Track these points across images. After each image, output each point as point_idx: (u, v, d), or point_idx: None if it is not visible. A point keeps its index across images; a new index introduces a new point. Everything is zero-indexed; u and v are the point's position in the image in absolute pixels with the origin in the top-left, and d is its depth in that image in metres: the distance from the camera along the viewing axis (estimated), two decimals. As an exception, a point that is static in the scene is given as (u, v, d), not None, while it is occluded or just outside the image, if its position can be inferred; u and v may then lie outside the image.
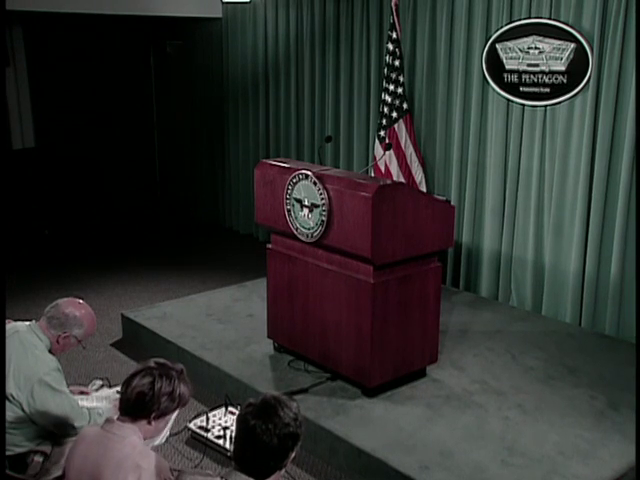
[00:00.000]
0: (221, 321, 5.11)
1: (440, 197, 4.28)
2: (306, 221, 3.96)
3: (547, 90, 5.07)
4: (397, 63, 5.65)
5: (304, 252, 4.12)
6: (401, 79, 5.68)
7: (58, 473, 2.91)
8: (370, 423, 3.73)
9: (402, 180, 5.61)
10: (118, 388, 2.74)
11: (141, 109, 9.17)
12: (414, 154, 5.74)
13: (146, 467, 2.28)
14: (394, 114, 5.69)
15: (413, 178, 5.74)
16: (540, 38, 5.03)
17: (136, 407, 2.36)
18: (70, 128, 8.50)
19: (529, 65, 5.13)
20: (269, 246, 4.40)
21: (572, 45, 4.88)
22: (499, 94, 5.36)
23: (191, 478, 2.26)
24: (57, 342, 3.08)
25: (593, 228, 4.94)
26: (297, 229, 4.04)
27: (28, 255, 7.07)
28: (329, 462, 3.68)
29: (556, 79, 5.00)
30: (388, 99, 5.70)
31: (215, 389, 4.37)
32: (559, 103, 5.04)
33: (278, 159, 4.58)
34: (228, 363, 4.41)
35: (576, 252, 5.04)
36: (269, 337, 4.55)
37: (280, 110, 7.38)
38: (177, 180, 9.06)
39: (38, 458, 3.03)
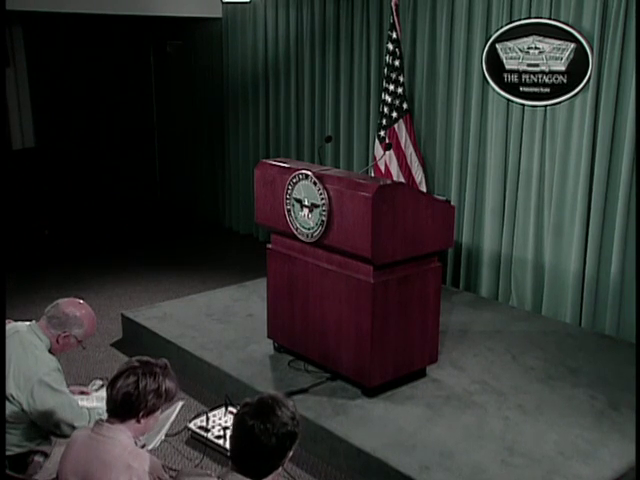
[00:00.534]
0: (221, 321, 5.11)
1: (440, 197, 4.28)
2: (306, 221, 3.96)
3: (547, 90, 5.07)
4: (397, 63, 5.65)
5: (304, 252, 4.12)
6: (401, 79, 5.68)
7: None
8: (370, 423, 3.73)
9: (402, 180, 5.61)
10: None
11: (141, 109, 9.17)
12: (414, 154, 5.74)
13: (137, 467, 2.28)
14: (394, 114, 5.69)
15: (413, 178, 5.74)
16: (540, 38, 5.03)
17: (123, 408, 2.36)
18: (70, 128, 8.50)
19: (529, 65, 5.13)
20: (269, 246, 4.40)
21: (572, 45, 4.88)
22: (499, 94, 5.36)
23: (189, 479, 2.26)
24: (57, 342, 3.07)
25: (593, 228, 4.94)
26: (297, 229, 4.04)
27: (28, 255, 7.06)
28: (329, 462, 3.68)
29: (556, 79, 5.00)
30: (388, 99, 5.70)
31: (215, 389, 4.37)
32: (559, 103, 5.04)
33: (278, 159, 4.59)
34: (228, 363, 4.41)
35: (576, 252, 5.04)
36: (269, 337, 4.55)
37: (280, 110, 7.38)
38: (177, 180, 9.06)
39: (38, 458, 3.03)
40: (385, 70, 5.73)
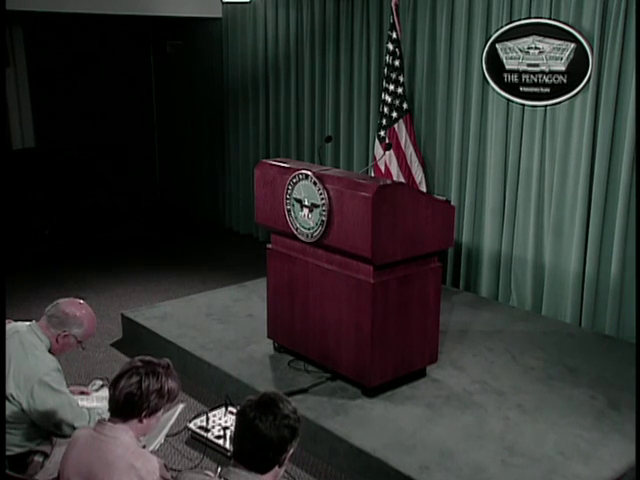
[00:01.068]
0: (221, 321, 5.11)
1: (440, 197, 4.29)
2: (306, 221, 3.96)
3: (547, 90, 5.07)
4: (397, 63, 5.65)
5: (304, 252, 4.12)
6: (401, 79, 5.68)
7: (58, 473, 2.91)
8: (370, 423, 3.73)
9: (402, 180, 5.61)
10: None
11: (141, 109, 9.17)
12: (414, 154, 5.73)
13: (140, 467, 2.28)
14: (394, 114, 5.69)
15: (413, 178, 5.74)
16: (540, 38, 5.03)
17: (126, 408, 2.36)
18: (70, 128, 8.50)
19: (529, 65, 5.13)
20: (269, 246, 4.40)
21: (572, 45, 4.88)
22: (499, 94, 5.36)
23: (189, 478, 2.26)
24: (56, 341, 3.07)
25: (593, 228, 4.94)
26: (297, 229, 4.04)
27: (28, 255, 7.06)
28: (329, 462, 3.69)
29: (556, 79, 5.00)
30: (388, 99, 5.70)
31: (215, 389, 4.37)
32: (559, 103, 5.04)
33: (278, 159, 4.58)
34: (228, 363, 4.41)
35: (576, 252, 5.04)
36: (269, 337, 4.55)
37: (280, 110, 7.38)
38: (177, 180, 9.06)
39: (38, 458, 3.03)
40: (385, 70, 5.73)
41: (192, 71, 8.47)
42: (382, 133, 5.74)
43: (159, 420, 2.49)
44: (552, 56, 4.99)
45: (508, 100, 5.33)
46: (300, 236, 4.04)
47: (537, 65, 5.08)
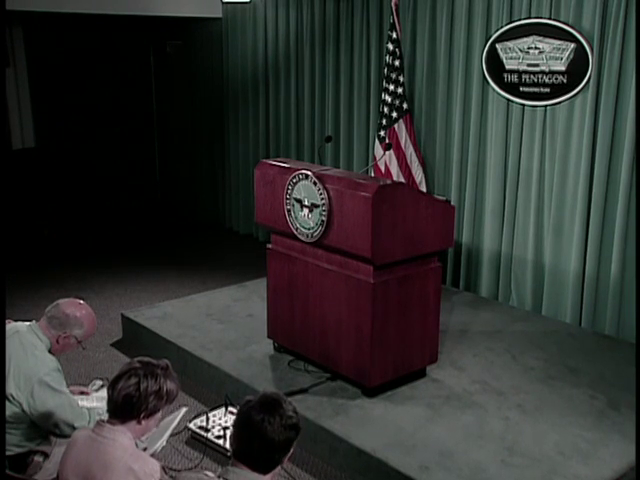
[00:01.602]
0: (221, 321, 5.11)
1: (440, 197, 4.28)
2: (306, 221, 3.96)
3: (547, 90, 5.07)
4: (397, 63, 5.65)
5: (304, 252, 4.12)
6: (401, 79, 5.68)
7: (58, 473, 2.91)
8: (370, 423, 3.73)
9: (402, 180, 5.61)
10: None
11: (141, 109, 9.17)
12: (414, 154, 5.73)
13: (138, 469, 2.27)
14: (394, 114, 5.69)
15: (413, 178, 5.74)
16: (540, 38, 5.03)
17: (124, 409, 2.36)
18: (70, 128, 8.49)
19: (529, 65, 5.13)
20: (269, 246, 4.40)
21: (572, 45, 4.88)
22: (499, 94, 5.36)
23: (188, 478, 2.26)
24: (57, 342, 3.07)
25: (593, 228, 4.94)
26: (297, 229, 4.04)
27: (28, 255, 7.07)
28: (329, 462, 3.68)
29: (556, 79, 5.00)
30: (388, 99, 5.70)
31: (215, 389, 4.37)
32: (559, 103, 5.04)
33: (278, 159, 4.58)
34: (228, 363, 4.41)
35: (576, 252, 5.04)
36: (269, 337, 4.55)
37: (280, 110, 7.38)
38: (177, 180, 9.06)
39: (38, 458, 3.03)
40: (385, 70, 5.73)
41: (192, 71, 8.47)
42: (382, 133, 5.74)
43: (158, 422, 2.48)
44: (552, 56, 4.99)
45: (508, 100, 5.33)
46: (300, 236, 4.04)
47: (537, 65, 5.09)
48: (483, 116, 5.56)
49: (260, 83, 7.52)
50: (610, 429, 3.70)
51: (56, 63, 8.28)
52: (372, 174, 5.65)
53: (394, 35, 5.61)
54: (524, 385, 4.18)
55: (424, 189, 5.75)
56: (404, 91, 5.72)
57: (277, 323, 4.42)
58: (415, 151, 5.74)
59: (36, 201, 7.82)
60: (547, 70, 5.04)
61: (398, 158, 5.69)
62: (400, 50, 5.64)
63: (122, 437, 2.34)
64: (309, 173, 3.89)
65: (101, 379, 3.97)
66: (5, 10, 4.74)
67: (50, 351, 3.06)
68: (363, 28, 6.33)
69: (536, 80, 5.11)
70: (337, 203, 3.77)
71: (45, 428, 2.98)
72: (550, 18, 4.98)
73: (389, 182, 3.88)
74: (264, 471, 2.11)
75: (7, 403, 2.86)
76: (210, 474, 2.26)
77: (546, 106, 5.13)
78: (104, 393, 3.50)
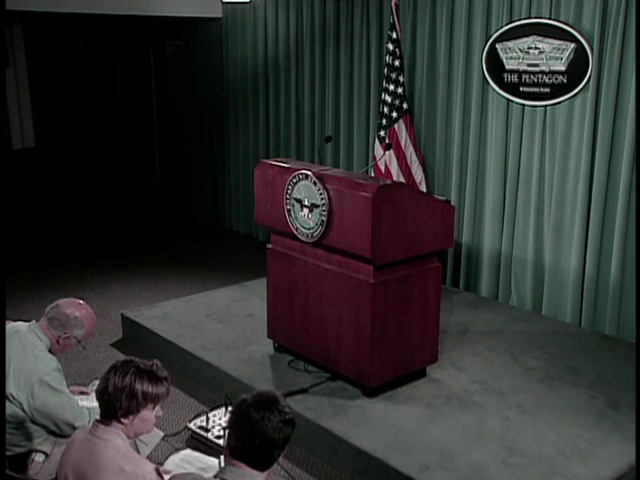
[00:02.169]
0: (221, 321, 5.11)
1: (440, 197, 4.28)
2: (306, 221, 3.96)
3: (547, 90, 5.07)
4: (397, 63, 5.65)
5: (304, 252, 4.12)
6: (401, 79, 5.68)
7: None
8: (370, 423, 3.73)
9: (402, 180, 5.61)
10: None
11: (141, 109, 9.17)
12: (414, 154, 5.73)
13: (129, 471, 2.27)
14: (394, 114, 5.69)
15: (413, 178, 5.73)
16: (540, 38, 5.03)
17: (102, 408, 2.37)
18: (70, 128, 8.50)
19: (529, 65, 5.13)
20: (269, 246, 4.40)
21: (572, 45, 4.88)
22: (499, 94, 5.36)
23: (184, 478, 2.26)
24: (57, 342, 3.08)
25: (593, 228, 4.94)
26: (297, 229, 4.04)
27: (28, 255, 7.06)
28: (329, 462, 3.68)
29: (556, 79, 5.00)
30: (388, 99, 5.69)
31: (215, 389, 4.37)
32: (559, 103, 5.04)
33: (278, 159, 4.59)
34: (228, 363, 4.41)
35: (576, 252, 5.04)
36: (269, 337, 4.55)
37: (280, 110, 7.38)
38: (177, 180, 9.06)
39: (38, 458, 3.03)
40: (385, 70, 5.73)
41: (192, 71, 8.46)
42: (382, 133, 5.74)
43: (145, 422, 2.42)
44: (552, 56, 4.99)
45: (508, 100, 5.33)
46: (300, 236, 4.04)
47: (537, 65, 5.08)
48: (483, 116, 5.56)
49: (260, 83, 7.52)
50: (610, 429, 3.70)
51: (56, 63, 8.29)
52: (372, 174, 5.65)
53: (394, 35, 5.61)
54: (524, 385, 4.18)
55: (424, 189, 5.75)
56: (404, 91, 5.71)
57: (277, 323, 4.42)
58: (415, 151, 5.74)
59: (36, 201, 7.82)
60: (547, 70, 5.04)
61: (398, 158, 5.69)
62: (400, 50, 5.64)
63: (116, 438, 2.33)
64: (309, 173, 3.89)
65: (101, 379, 3.96)
66: (5, 10, 4.74)
67: (50, 351, 3.07)
68: (363, 28, 6.33)
69: (536, 80, 5.11)
70: (337, 203, 3.77)
71: (45, 428, 2.98)
72: (550, 18, 4.98)
73: (389, 182, 3.88)
74: (263, 468, 2.13)
75: (7, 403, 2.86)
76: (206, 475, 2.26)
77: (546, 106, 5.13)
78: (104, 393, 3.51)
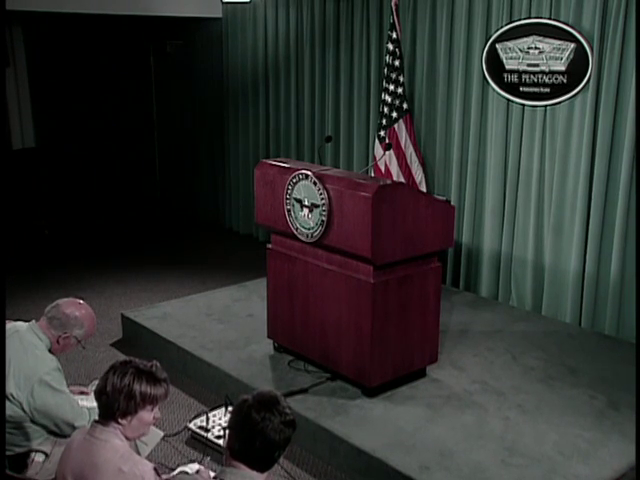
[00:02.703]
0: (221, 321, 5.11)
1: (440, 197, 4.28)
2: (306, 221, 3.96)
3: (547, 90, 5.07)
4: (397, 63, 5.65)
5: (304, 252, 4.12)
6: (401, 79, 5.68)
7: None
8: (370, 423, 3.73)
9: (402, 180, 5.61)
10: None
11: (141, 109, 9.17)
12: (414, 154, 5.74)
13: (127, 471, 2.26)
14: (394, 114, 5.69)
15: (413, 178, 5.74)
16: (540, 38, 5.03)
17: (100, 408, 2.37)
18: (70, 128, 8.50)
19: (529, 65, 5.13)
20: (269, 246, 4.40)
21: (572, 45, 4.88)
22: (499, 94, 5.36)
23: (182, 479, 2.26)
24: (57, 342, 3.08)
25: (593, 228, 4.94)
26: (297, 229, 4.04)
27: (28, 255, 7.06)
28: (329, 462, 3.69)
29: (556, 79, 5.00)
30: (388, 99, 5.70)
31: (215, 389, 4.37)
32: (559, 103, 5.04)
33: (278, 159, 4.59)
34: (228, 363, 4.41)
35: (576, 252, 5.04)
36: (269, 337, 4.55)
37: (280, 110, 7.38)
38: (177, 180, 9.07)
39: (38, 458, 3.03)
40: (385, 70, 5.73)
41: (192, 71, 8.46)
42: (382, 133, 5.74)
43: (143, 423, 2.41)
44: (552, 56, 4.99)
45: (508, 100, 5.33)
46: (300, 236, 4.04)
47: (537, 65, 5.08)
48: (483, 116, 5.56)
49: (260, 83, 7.52)
50: (610, 429, 3.70)
51: (56, 63, 8.29)
52: (372, 174, 5.65)
53: (394, 35, 5.61)
54: (524, 385, 4.18)
55: (424, 189, 5.75)
56: (404, 91, 5.71)
57: (277, 323, 4.42)
58: (415, 151, 5.74)
59: (36, 201, 7.83)
60: (547, 70, 5.04)
61: (398, 158, 5.69)
62: (400, 50, 5.64)
63: (114, 439, 2.33)
64: (309, 173, 3.89)
65: (101, 379, 3.96)
66: (5, 10, 4.74)
67: (50, 351, 3.07)
68: (363, 28, 6.33)
69: (536, 80, 5.11)
70: (337, 203, 3.77)
71: (45, 428, 2.98)
72: (550, 18, 4.98)
73: (389, 182, 3.88)
74: (263, 469, 2.13)
75: (7, 403, 2.86)
76: (205, 475, 2.26)
77: (546, 106, 5.13)
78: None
